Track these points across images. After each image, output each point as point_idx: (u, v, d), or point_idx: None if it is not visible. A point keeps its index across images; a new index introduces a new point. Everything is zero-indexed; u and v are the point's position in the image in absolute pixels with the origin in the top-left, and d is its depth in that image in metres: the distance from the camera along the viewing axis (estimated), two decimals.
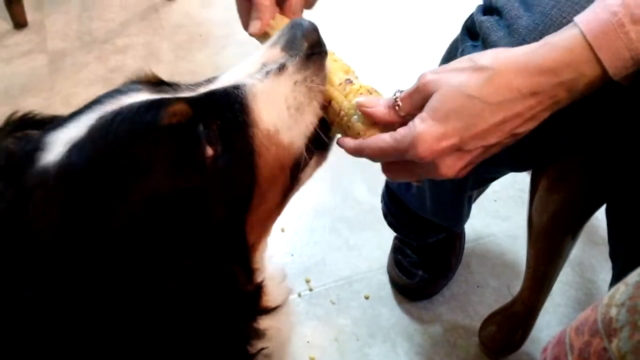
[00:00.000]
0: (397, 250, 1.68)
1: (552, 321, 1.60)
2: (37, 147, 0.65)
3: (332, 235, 1.80)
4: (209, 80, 0.78)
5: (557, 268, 1.36)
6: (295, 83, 0.77)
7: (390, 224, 1.62)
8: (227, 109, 0.73)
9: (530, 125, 0.76)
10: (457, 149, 0.75)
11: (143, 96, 0.71)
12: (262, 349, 0.76)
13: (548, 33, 0.77)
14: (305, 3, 0.97)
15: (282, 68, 0.77)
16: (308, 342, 1.56)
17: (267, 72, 0.76)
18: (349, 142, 0.82)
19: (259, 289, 0.76)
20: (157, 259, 0.63)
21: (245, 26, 0.94)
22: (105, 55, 2.40)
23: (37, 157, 0.64)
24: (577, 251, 1.59)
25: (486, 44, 0.98)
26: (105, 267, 0.61)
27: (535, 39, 0.81)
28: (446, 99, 0.75)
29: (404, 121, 0.79)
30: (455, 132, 0.74)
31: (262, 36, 0.92)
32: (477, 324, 1.56)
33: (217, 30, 2.45)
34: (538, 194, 1.22)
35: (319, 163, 0.83)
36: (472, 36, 1.07)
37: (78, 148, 0.64)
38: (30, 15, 2.52)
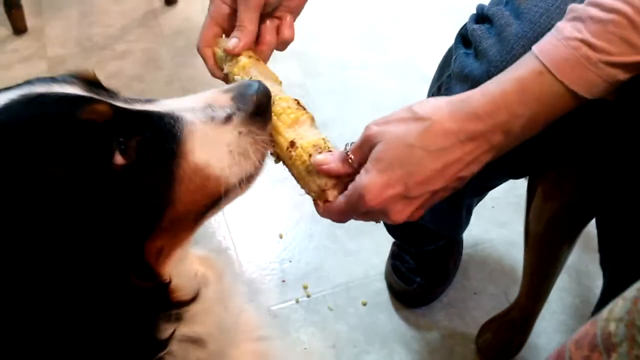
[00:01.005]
0: (395, 257, 1.68)
1: (548, 328, 1.59)
2: None
3: (330, 241, 1.80)
4: (149, 101, 0.78)
5: (554, 275, 1.36)
6: (240, 133, 0.78)
7: (389, 231, 1.62)
8: (156, 131, 0.73)
9: (474, 168, 0.79)
10: (404, 196, 0.78)
11: (73, 89, 0.71)
12: (181, 334, 0.77)
13: (537, 40, 0.78)
14: (279, 45, 1.01)
15: (228, 118, 0.77)
16: (305, 348, 1.57)
17: (212, 117, 0.77)
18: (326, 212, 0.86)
19: (164, 287, 0.75)
20: (42, 247, 0.63)
21: (206, 41, 0.99)
22: (104, 61, 2.40)
23: None
24: (574, 258, 1.59)
25: (478, 52, 0.99)
26: None
27: (524, 47, 0.83)
28: (388, 149, 0.78)
29: (358, 171, 0.82)
30: (399, 180, 0.77)
31: (211, 58, 0.98)
32: (475, 331, 1.56)
33: None
34: (534, 202, 1.23)
35: (242, 191, 0.82)
36: (465, 44, 1.08)
37: None
38: (29, 21, 2.53)
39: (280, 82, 0.95)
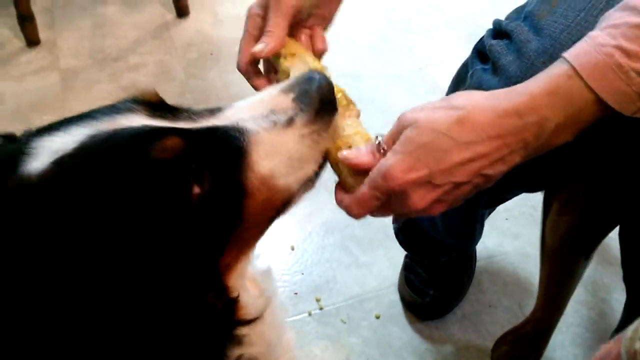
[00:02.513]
0: (408, 269, 1.68)
1: (565, 341, 1.58)
2: (23, 150, 0.65)
3: (343, 253, 1.80)
4: (212, 112, 0.77)
5: (570, 288, 1.35)
6: (302, 136, 0.76)
7: (401, 244, 1.61)
8: (224, 149, 0.72)
9: (500, 168, 0.78)
10: (427, 181, 0.77)
11: (139, 119, 0.70)
12: (240, 355, 0.76)
13: (558, 57, 0.77)
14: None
15: (290, 121, 0.76)
16: None
17: (275, 123, 0.75)
18: (343, 201, 0.85)
19: (232, 304, 0.75)
20: (131, 286, 0.63)
21: (245, 57, 0.95)
22: (117, 73, 2.41)
23: (21, 161, 0.64)
24: (590, 270, 1.57)
25: (496, 68, 0.99)
26: (70, 289, 0.61)
27: (545, 63, 0.82)
28: (418, 134, 0.77)
29: None
30: (424, 164, 0.77)
31: (253, 75, 0.95)
32: (490, 344, 1.55)
33: (228, 49, 2.47)
34: (550, 215, 1.21)
35: (310, 187, 0.82)
36: (482, 59, 1.07)
37: (65, 163, 0.63)
38: (42, 33, 2.55)
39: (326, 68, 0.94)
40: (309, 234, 1.84)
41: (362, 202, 0.82)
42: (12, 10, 2.47)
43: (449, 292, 1.65)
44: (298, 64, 0.92)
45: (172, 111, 0.75)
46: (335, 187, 0.87)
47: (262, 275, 0.91)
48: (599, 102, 0.73)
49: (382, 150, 0.81)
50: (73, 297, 0.60)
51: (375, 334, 1.61)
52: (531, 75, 0.79)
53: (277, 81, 0.92)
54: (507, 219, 1.86)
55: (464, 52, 1.19)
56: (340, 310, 1.66)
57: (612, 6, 0.79)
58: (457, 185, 0.78)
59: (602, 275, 1.71)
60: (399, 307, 1.67)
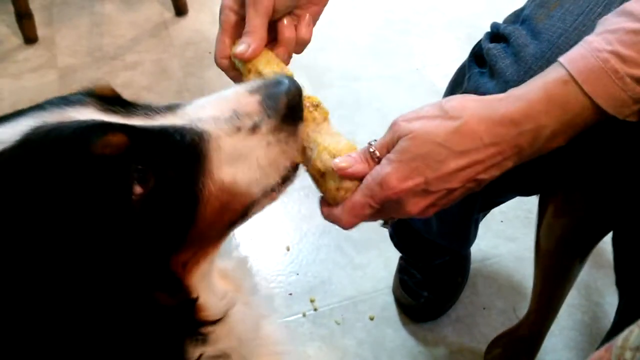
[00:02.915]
0: (403, 270, 1.68)
1: (558, 344, 1.58)
2: None
3: (338, 254, 1.80)
4: (171, 108, 0.74)
5: (564, 292, 1.35)
6: (267, 144, 0.73)
7: (396, 245, 1.61)
8: (176, 150, 0.69)
9: (494, 172, 0.79)
10: (422, 189, 0.78)
11: (88, 113, 0.68)
12: (201, 354, 0.74)
13: (555, 61, 0.77)
14: (296, 46, 0.97)
15: (255, 127, 0.73)
16: None
17: (239, 128, 0.72)
18: (333, 213, 0.85)
19: (191, 304, 0.73)
20: (68, 283, 0.61)
21: (222, 52, 0.94)
22: (115, 71, 2.41)
23: None
24: (584, 274, 1.57)
25: (493, 72, 0.99)
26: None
27: (542, 67, 0.82)
28: (415, 145, 0.77)
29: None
30: (421, 173, 0.77)
31: (231, 69, 0.94)
32: (483, 347, 1.55)
33: None
34: (545, 219, 1.21)
35: (274, 198, 0.79)
36: (479, 63, 1.07)
37: (4, 155, 0.62)
38: (40, 31, 2.55)
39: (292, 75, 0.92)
40: (304, 235, 1.84)
41: (355, 210, 0.82)
42: (10, 8, 2.48)
43: (443, 294, 1.65)
44: (267, 66, 0.90)
45: (126, 107, 0.72)
46: (320, 202, 0.87)
47: (237, 266, 0.90)
48: (594, 107, 0.74)
49: (375, 158, 0.81)
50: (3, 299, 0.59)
51: (369, 335, 1.61)
52: (528, 79, 0.79)
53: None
54: (502, 222, 1.87)
55: (462, 53, 1.19)
56: (334, 311, 1.66)
57: (609, 10, 0.79)
58: (451, 190, 0.79)
59: (595, 279, 1.71)
60: (393, 309, 1.67)
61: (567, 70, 0.74)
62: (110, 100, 0.72)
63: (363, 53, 2.48)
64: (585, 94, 0.73)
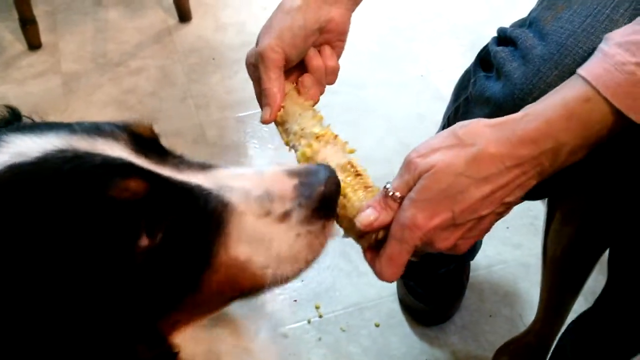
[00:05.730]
0: (409, 276, 1.67)
1: None
2: None
3: (343, 261, 1.79)
4: (204, 167, 0.71)
5: (571, 299, 1.34)
6: (296, 235, 0.69)
7: None
8: (199, 213, 0.66)
9: (519, 193, 0.78)
10: (450, 224, 0.77)
11: (118, 149, 0.65)
12: None
13: (563, 63, 0.77)
14: (327, 75, 1.00)
15: (286, 215, 0.68)
16: None
17: (268, 212, 0.68)
18: (375, 271, 0.83)
19: (169, 356, 0.69)
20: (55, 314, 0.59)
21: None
22: (119, 77, 2.41)
23: None
24: (590, 281, 1.56)
25: (500, 74, 0.98)
26: None
27: (550, 69, 0.81)
28: (436, 180, 0.76)
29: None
30: (445, 208, 0.76)
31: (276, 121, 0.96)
32: (490, 354, 1.54)
33: (230, 54, 2.46)
34: (552, 225, 1.21)
35: (284, 284, 0.72)
36: (485, 67, 1.07)
37: (19, 170, 0.60)
38: (44, 37, 2.55)
39: (321, 118, 0.94)
40: None
41: (393, 261, 0.80)
42: (14, 14, 2.48)
43: (449, 296, 1.64)
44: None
45: (159, 152, 0.70)
46: (365, 254, 0.85)
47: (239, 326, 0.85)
48: (622, 120, 0.72)
49: (397, 200, 0.79)
50: None
51: (375, 343, 1.60)
52: (537, 82, 0.78)
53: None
54: (508, 228, 1.85)
55: (467, 59, 1.18)
56: (339, 318, 1.65)
57: (617, 12, 0.78)
58: (481, 218, 0.78)
59: (601, 286, 1.70)
60: (398, 316, 1.66)
61: (593, 87, 0.73)
62: (144, 141, 0.69)
63: (368, 60, 2.48)
64: (612, 108, 0.72)
